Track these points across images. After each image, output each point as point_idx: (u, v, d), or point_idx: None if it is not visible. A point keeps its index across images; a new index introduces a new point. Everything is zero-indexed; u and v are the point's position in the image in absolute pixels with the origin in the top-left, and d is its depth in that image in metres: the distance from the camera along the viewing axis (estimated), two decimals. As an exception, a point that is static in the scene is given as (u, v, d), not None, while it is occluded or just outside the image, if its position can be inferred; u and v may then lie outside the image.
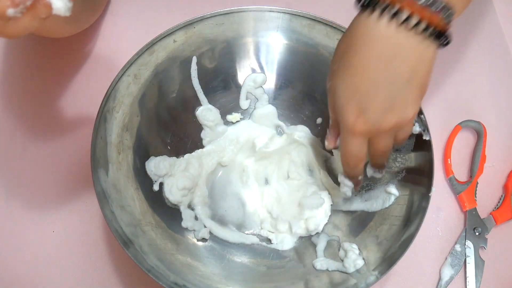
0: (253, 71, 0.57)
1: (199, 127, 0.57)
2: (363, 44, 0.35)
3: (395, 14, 0.34)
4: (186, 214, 0.53)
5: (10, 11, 0.33)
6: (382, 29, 0.34)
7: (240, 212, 0.55)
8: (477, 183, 0.57)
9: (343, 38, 0.38)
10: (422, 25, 0.34)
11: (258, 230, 0.54)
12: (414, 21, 0.34)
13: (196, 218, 0.53)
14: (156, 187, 0.52)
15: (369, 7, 0.35)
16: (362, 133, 0.38)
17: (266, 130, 0.58)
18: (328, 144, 0.44)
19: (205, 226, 0.53)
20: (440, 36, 0.35)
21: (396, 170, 0.51)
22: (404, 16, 0.34)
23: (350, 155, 0.41)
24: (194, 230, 0.52)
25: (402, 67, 0.35)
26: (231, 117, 0.58)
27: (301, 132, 0.57)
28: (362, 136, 0.39)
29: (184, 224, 0.52)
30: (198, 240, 0.52)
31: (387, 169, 0.51)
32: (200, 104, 0.57)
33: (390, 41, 0.35)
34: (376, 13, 0.34)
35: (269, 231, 0.53)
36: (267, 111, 0.58)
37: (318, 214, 0.52)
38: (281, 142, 0.57)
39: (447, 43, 0.36)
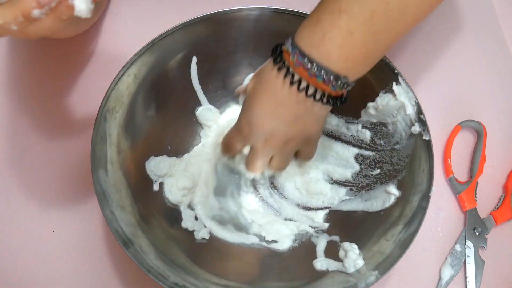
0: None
1: (199, 127, 0.57)
2: (266, 85, 0.42)
3: (291, 75, 0.39)
4: (186, 214, 0.53)
5: (36, 12, 0.33)
6: (279, 80, 0.40)
7: (241, 211, 0.55)
8: (477, 183, 0.57)
9: (262, 66, 0.43)
10: (311, 90, 0.40)
11: (258, 230, 0.54)
12: (303, 84, 0.39)
13: (196, 218, 0.53)
14: (156, 187, 0.52)
15: (276, 62, 0.40)
16: (243, 137, 0.45)
17: None
18: (237, 91, 0.54)
19: (205, 226, 0.53)
20: (331, 97, 0.40)
21: (396, 170, 0.51)
22: (296, 78, 0.39)
23: (227, 143, 0.48)
24: (194, 230, 0.52)
25: (288, 112, 0.41)
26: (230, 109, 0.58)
27: None
28: (242, 139, 0.45)
29: (184, 224, 0.52)
30: (198, 240, 0.52)
31: (385, 170, 0.51)
32: (200, 104, 0.57)
33: (283, 93, 0.40)
34: (277, 68, 0.40)
35: (269, 232, 0.53)
36: None
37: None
38: None
39: (341, 104, 0.41)
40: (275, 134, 0.43)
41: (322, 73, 0.38)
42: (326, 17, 0.38)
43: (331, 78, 0.39)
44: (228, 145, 0.48)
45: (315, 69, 0.38)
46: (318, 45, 0.38)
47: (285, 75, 0.40)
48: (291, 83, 0.40)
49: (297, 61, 0.39)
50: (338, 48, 0.38)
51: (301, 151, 0.49)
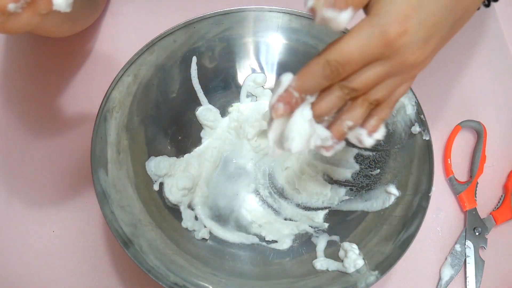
0: (253, 71, 0.57)
1: (199, 127, 0.57)
2: None
3: None
4: (186, 214, 0.53)
5: (11, 6, 0.33)
6: None
7: (240, 211, 0.55)
8: (477, 183, 0.57)
9: None
10: None
11: (258, 230, 0.54)
12: None
13: (196, 218, 0.53)
14: (156, 187, 0.52)
15: None
16: (392, 44, 0.30)
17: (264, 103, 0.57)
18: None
19: (205, 226, 0.53)
20: None
21: (396, 170, 0.51)
22: None
23: (350, 55, 0.31)
24: (194, 230, 0.52)
25: (463, 3, 0.32)
26: (232, 109, 0.58)
27: None
28: (381, 47, 0.30)
29: (184, 224, 0.52)
30: (198, 240, 0.52)
31: (385, 170, 0.51)
32: (200, 104, 0.57)
33: None
34: None
35: (269, 231, 0.53)
36: None
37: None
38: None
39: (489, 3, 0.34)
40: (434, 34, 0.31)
41: None
42: None
43: None
44: (347, 58, 0.31)
45: None
46: None
47: None
48: None
49: None
50: None
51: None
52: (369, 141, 0.37)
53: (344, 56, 0.31)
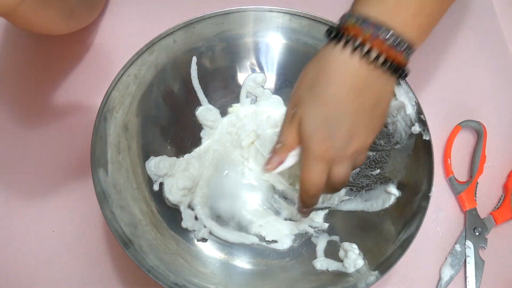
0: (253, 71, 0.57)
1: (199, 127, 0.57)
2: (336, 77, 0.37)
3: (366, 53, 0.36)
4: (186, 214, 0.53)
5: None
6: (354, 64, 0.37)
7: (240, 211, 0.55)
8: (477, 183, 0.57)
9: (312, 65, 0.40)
10: (388, 63, 0.37)
11: (258, 230, 0.54)
12: (381, 59, 0.36)
13: (196, 218, 0.53)
14: (156, 187, 0.52)
15: (341, 41, 0.37)
16: (328, 160, 0.40)
17: (266, 109, 0.57)
18: (271, 166, 0.43)
19: (205, 226, 0.53)
20: (400, 70, 0.38)
21: (396, 170, 0.51)
22: (373, 54, 0.36)
23: (312, 183, 0.41)
24: (194, 230, 0.52)
25: (368, 99, 0.38)
26: (231, 109, 0.58)
27: None
28: (327, 163, 0.40)
29: (184, 224, 0.52)
30: (198, 240, 0.52)
31: (385, 170, 0.51)
32: (200, 104, 0.57)
33: (361, 76, 0.37)
34: (349, 49, 0.36)
35: (269, 231, 0.53)
36: (272, 101, 0.58)
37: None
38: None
39: (405, 76, 0.39)
40: (357, 131, 0.39)
41: (399, 42, 0.36)
42: None
43: (405, 47, 0.37)
44: (316, 186, 0.41)
45: (393, 39, 0.36)
46: (393, 13, 0.36)
47: (362, 55, 0.36)
48: (370, 60, 0.36)
49: (373, 34, 0.36)
50: (412, 16, 0.36)
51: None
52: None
53: (310, 185, 0.42)
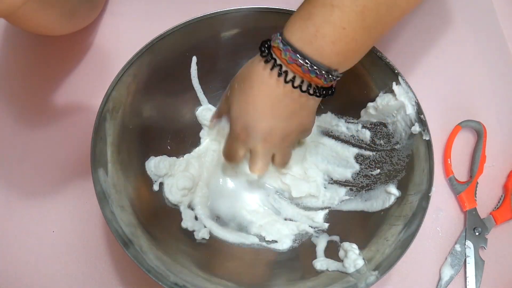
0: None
1: (199, 127, 0.57)
2: (258, 85, 0.42)
3: (284, 72, 0.40)
4: (186, 214, 0.53)
5: None
6: (272, 81, 0.40)
7: (240, 211, 0.55)
8: (477, 183, 0.57)
9: (248, 66, 0.44)
10: (304, 86, 0.40)
11: (258, 230, 0.54)
12: (297, 82, 0.40)
13: (196, 218, 0.53)
14: (156, 187, 0.52)
15: (267, 61, 0.40)
16: (242, 143, 0.45)
17: None
18: (210, 125, 0.55)
19: (205, 226, 0.53)
20: (320, 91, 0.41)
21: (396, 170, 0.51)
22: (289, 76, 0.40)
23: (229, 153, 0.48)
24: (194, 230, 0.52)
25: (283, 109, 0.42)
26: None
27: None
28: (242, 145, 0.45)
29: (184, 224, 0.52)
30: (198, 240, 0.52)
31: (385, 170, 0.51)
32: (200, 104, 0.57)
33: (276, 93, 0.41)
34: (269, 66, 0.40)
35: (269, 232, 0.53)
36: None
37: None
38: None
39: (331, 94, 0.42)
40: (273, 132, 0.43)
41: (315, 69, 0.39)
42: (318, 11, 0.38)
43: (324, 72, 0.39)
44: (230, 155, 0.48)
45: (309, 65, 0.38)
46: (311, 40, 0.38)
47: (279, 74, 0.40)
48: (286, 81, 0.40)
49: (290, 58, 0.39)
50: (331, 43, 0.38)
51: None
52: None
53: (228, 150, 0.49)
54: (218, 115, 0.53)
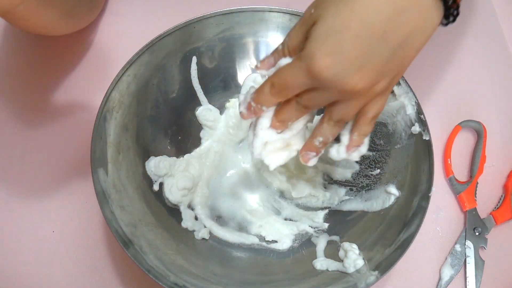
0: (253, 71, 0.57)
1: (199, 127, 0.57)
2: None
3: None
4: (186, 214, 0.53)
5: None
6: None
7: (240, 211, 0.55)
8: (477, 183, 0.57)
9: None
10: None
11: (258, 230, 0.54)
12: None
13: (196, 218, 0.53)
14: (156, 187, 0.52)
15: None
16: (315, 78, 0.33)
17: None
18: (261, 65, 0.38)
19: (205, 226, 0.53)
20: (450, 8, 0.33)
21: (396, 170, 0.51)
22: None
23: (283, 80, 0.35)
24: (194, 230, 0.52)
25: (402, 27, 0.32)
26: (229, 104, 0.57)
27: None
28: (312, 80, 0.34)
29: (184, 224, 0.52)
30: (198, 240, 0.52)
31: (385, 170, 0.51)
32: (200, 104, 0.57)
33: None
34: None
35: (269, 232, 0.53)
36: None
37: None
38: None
39: (455, 17, 0.34)
40: (370, 60, 0.33)
41: None
42: None
43: None
44: (285, 85, 0.35)
45: None
46: None
47: None
48: None
49: None
50: None
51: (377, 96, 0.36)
52: (354, 155, 0.41)
53: (282, 82, 0.36)
54: (278, 52, 0.38)
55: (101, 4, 0.64)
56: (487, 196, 0.58)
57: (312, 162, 0.42)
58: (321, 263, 0.49)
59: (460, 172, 0.59)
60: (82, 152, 0.55)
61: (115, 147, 0.49)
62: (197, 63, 0.54)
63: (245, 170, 0.56)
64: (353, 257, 0.47)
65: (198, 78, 0.55)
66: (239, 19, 0.53)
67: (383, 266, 0.45)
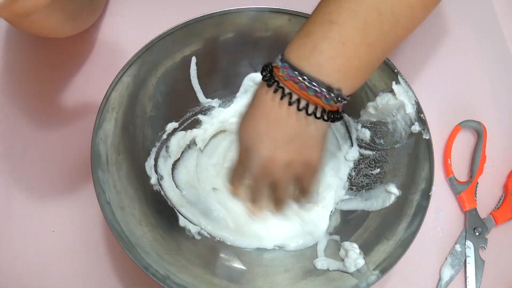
0: (253, 71, 0.57)
1: (198, 127, 0.57)
2: (257, 106, 0.40)
3: (288, 95, 0.38)
4: (185, 214, 0.53)
5: None
6: (275, 101, 0.38)
7: (241, 212, 0.55)
8: (477, 183, 0.57)
9: (256, 89, 0.41)
10: (310, 108, 0.38)
11: (258, 230, 0.54)
12: (302, 103, 0.37)
13: (195, 218, 0.53)
14: (156, 187, 0.52)
15: (268, 82, 0.38)
16: (245, 167, 0.42)
17: None
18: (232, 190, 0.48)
19: (205, 226, 0.53)
20: (331, 113, 0.38)
21: (396, 170, 0.51)
22: (294, 97, 0.37)
23: (232, 179, 0.46)
24: (193, 230, 0.52)
25: (283, 132, 0.39)
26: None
27: None
28: (245, 169, 0.42)
29: (182, 223, 0.52)
30: (198, 240, 0.52)
31: (385, 170, 0.51)
32: (200, 104, 0.57)
33: (280, 113, 0.38)
34: (272, 89, 0.38)
35: (269, 231, 0.53)
36: None
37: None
38: None
39: (339, 119, 0.39)
40: (273, 157, 0.40)
41: (314, 85, 0.36)
42: (316, 28, 0.37)
43: (323, 90, 0.37)
44: (233, 181, 0.46)
45: (306, 81, 0.36)
46: (308, 56, 0.37)
47: (275, 91, 0.38)
48: (282, 98, 0.38)
49: (287, 74, 0.37)
50: (329, 59, 0.36)
51: (301, 182, 0.44)
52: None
53: None
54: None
55: (102, 5, 0.64)
56: (487, 196, 0.58)
57: None
58: (322, 262, 0.49)
59: (460, 172, 0.59)
60: (83, 153, 0.55)
61: (115, 147, 0.49)
62: (197, 63, 0.54)
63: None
64: (354, 256, 0.47)
65: (198, 78, 0.55)
66: (239, 19, 0.53)
67: (383, 266, 0.45)
